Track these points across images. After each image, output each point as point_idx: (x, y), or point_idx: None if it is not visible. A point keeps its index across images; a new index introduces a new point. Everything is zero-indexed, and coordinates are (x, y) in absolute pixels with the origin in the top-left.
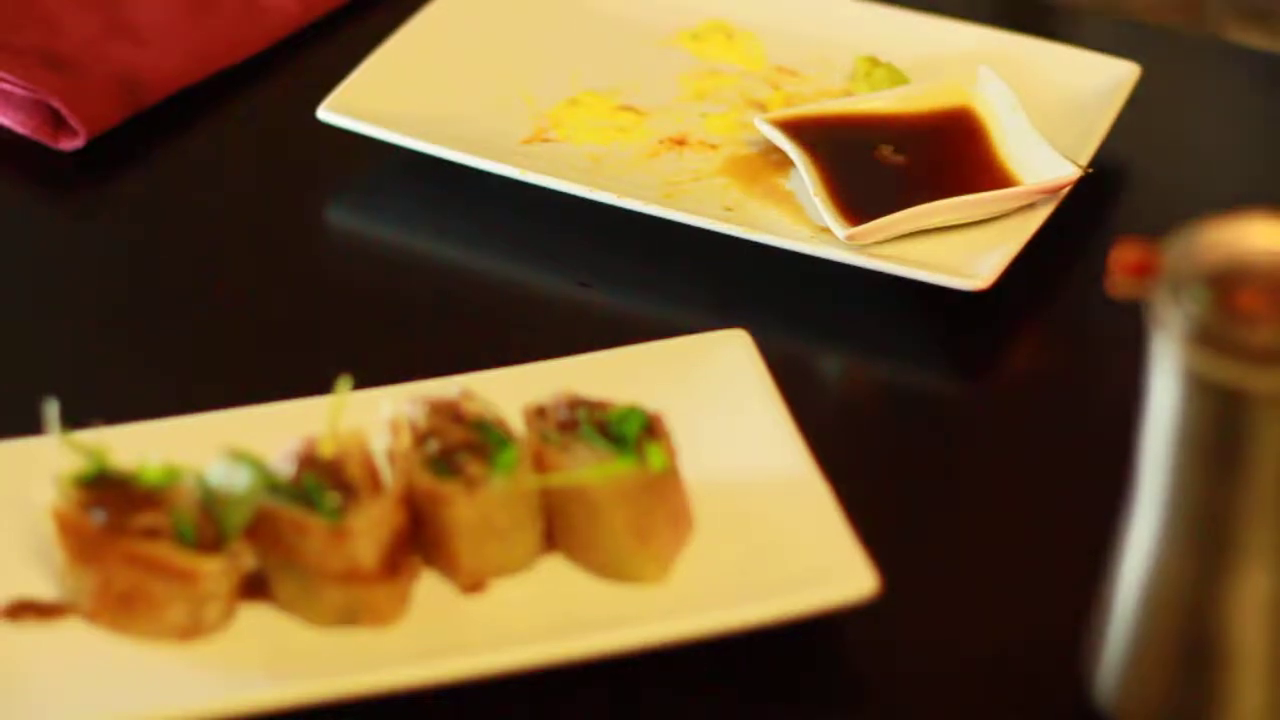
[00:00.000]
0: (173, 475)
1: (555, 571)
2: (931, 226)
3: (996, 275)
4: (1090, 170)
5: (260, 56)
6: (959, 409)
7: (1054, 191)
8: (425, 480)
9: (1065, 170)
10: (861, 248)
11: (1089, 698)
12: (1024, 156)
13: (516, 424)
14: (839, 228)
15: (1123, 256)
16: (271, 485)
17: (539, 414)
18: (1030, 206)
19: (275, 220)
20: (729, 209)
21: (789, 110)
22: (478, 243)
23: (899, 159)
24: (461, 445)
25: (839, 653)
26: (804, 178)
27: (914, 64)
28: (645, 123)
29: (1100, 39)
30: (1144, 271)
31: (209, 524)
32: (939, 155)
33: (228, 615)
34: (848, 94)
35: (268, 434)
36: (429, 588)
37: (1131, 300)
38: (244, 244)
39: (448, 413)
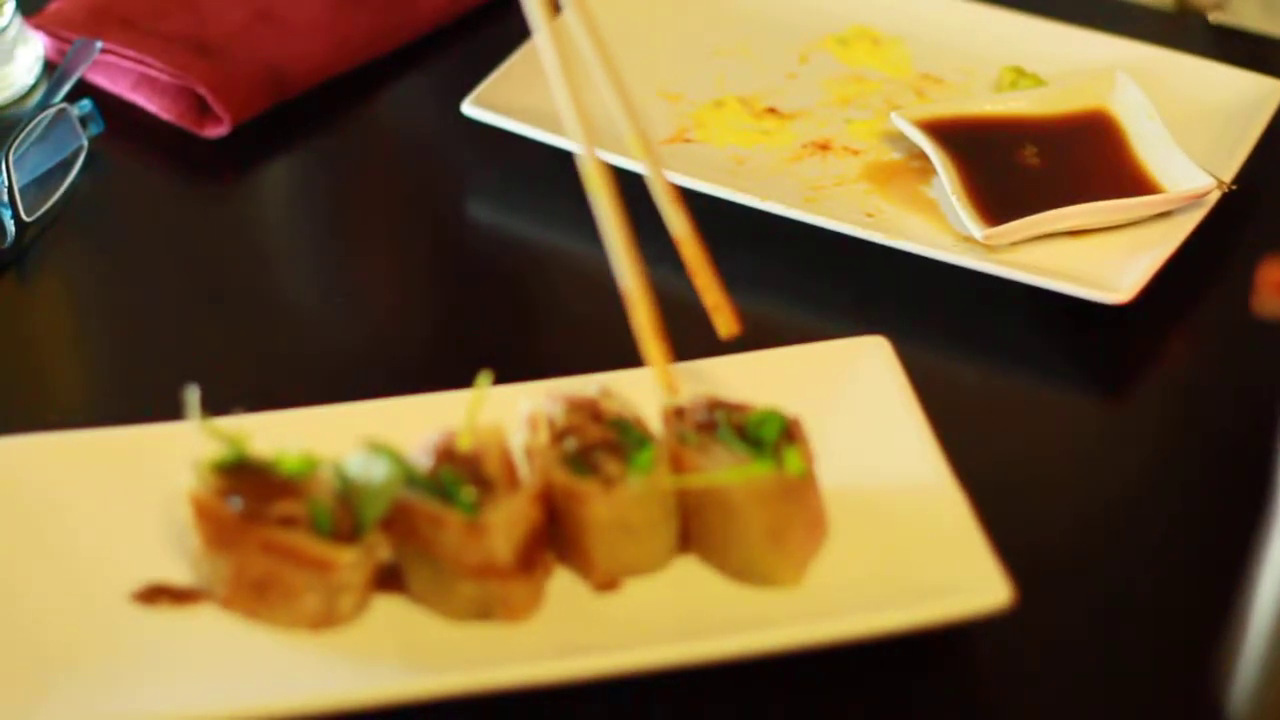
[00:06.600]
0: (311, 465)
1: (689, 573)
2: (1067, 230)
3: (1139, 289)
4: (1235, 187)
5: (406, 50)
6: (1097, 421)
7: (1195, 201)
8: (562, 478)
9: (1203, 180)
10: (1001, 256)
11: (1223, 713)
12: (1161, 164)
13: (655, 424)
14: (976, 228)
15: (1271, 274)
16: (409, 478)
17: (677, 414)
18: (1165, 215)
19: (416, 213)
20: (870, 215)
21: (926, 108)
22: None
23: (1037, 161)
24: (599, 444)
25: (968, 660)
26: (942, 177)
27: (1058, 75)
28: (789, 126)
29: (1247, 56)
30: None
31: (346, 514)
32: (1076, 158)
33: (361, 606)
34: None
35: (406, 426)
36: (562, 585)
37: (1277, 318)
38: (384, 236)
39: (586, 410)
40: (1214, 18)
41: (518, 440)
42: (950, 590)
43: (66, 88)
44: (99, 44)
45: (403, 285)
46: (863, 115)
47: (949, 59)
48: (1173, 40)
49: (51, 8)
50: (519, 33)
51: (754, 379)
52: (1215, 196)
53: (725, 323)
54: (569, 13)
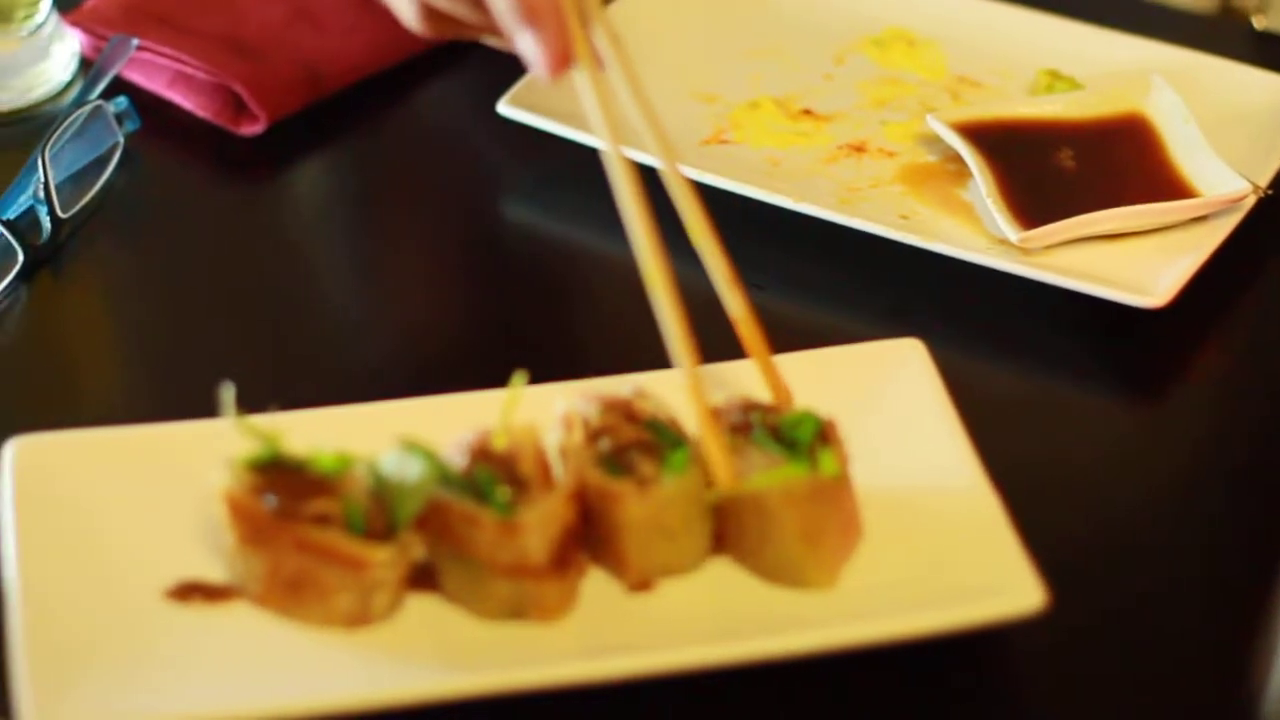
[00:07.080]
0: (345, 463)
1: (723, 574)
2: (1102, 233)
3: (1175, 293)
4: (1270, 191)
5: (442, 49)
6: (1132, 424)
7: (1230, 205)
8: (596, 478)
9: (1238, 185)
10: (1036, 259)
11: (1257, 717)
12: (1197, 168)
13: (689, 424)
14: (1012, 231)
15: None
16: (443, 476)
17: (713, 416)
18: (1201, 220)
19: (451, 212)
20: (905, 217)
21: (962, 111)
22: None
23: (1072, 164)
24: (633, 444)
25: (1001, 663)
26: (978, 180)
27: (1094, 78)
28: (824, 128)
29: None
30: None
31: (380, 513)
32: (1112, 162)
33: (395, 605)
34: None
35: (441, 425)
36: (596, 585)
37: None
38: (419, 235)
39: (620, 411)
40: (1258, 22)
41: (552, 440)
42: (984, 593)
43: (102, 84)
44: (135, 41)
45: (438, 284)
46: (898, 117)
47: (985, 61)
48: (1208, 44)
49: (87, 5)
50: None
51: (789, 380)
52: (1251, 201)
53: (784, 401)
54: (608, 60)
